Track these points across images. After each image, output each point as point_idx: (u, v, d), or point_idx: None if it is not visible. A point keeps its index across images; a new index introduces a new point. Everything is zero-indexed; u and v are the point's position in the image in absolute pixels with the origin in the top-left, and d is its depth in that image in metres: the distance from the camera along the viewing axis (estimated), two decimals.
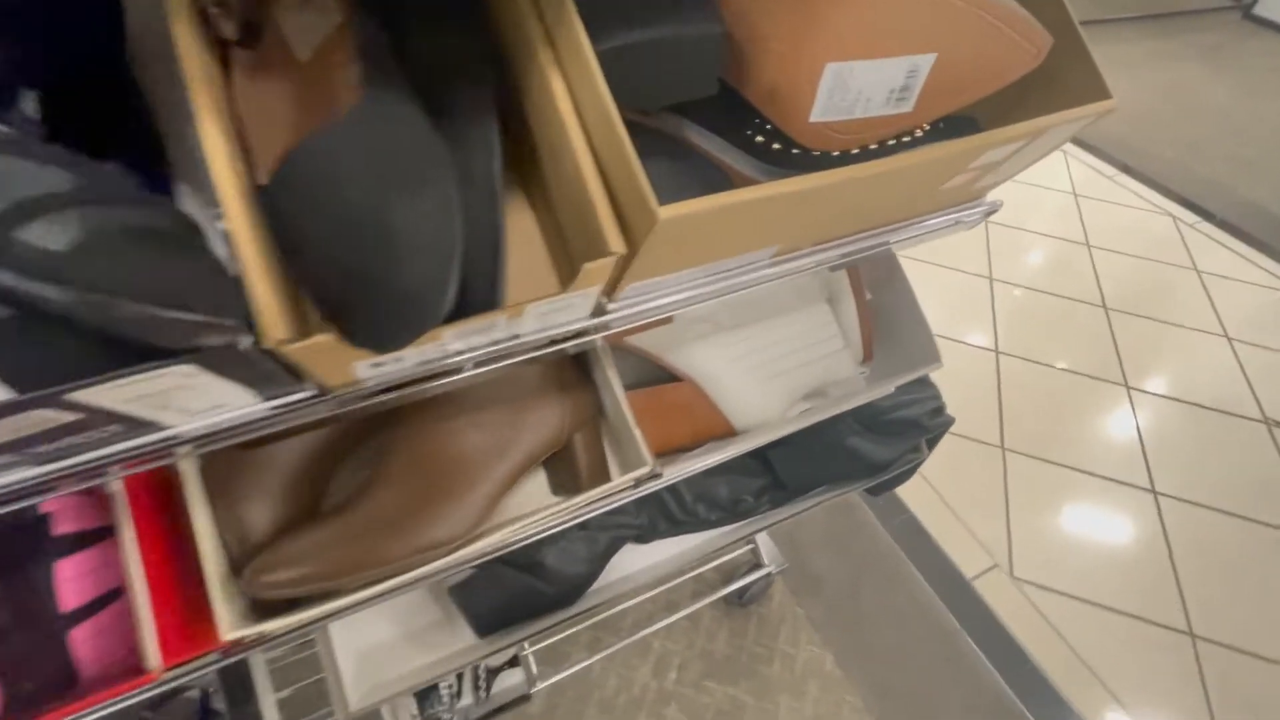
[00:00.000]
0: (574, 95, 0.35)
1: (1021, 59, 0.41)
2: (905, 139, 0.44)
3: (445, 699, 0.93)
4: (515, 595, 0.75)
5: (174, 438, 0.33)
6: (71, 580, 0.45)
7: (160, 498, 0.48)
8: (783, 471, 0.82)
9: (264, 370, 0.32)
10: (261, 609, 0.50)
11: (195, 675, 0.50)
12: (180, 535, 0.47)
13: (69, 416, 0.27)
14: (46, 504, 0.47)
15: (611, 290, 0.41)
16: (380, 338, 0.30)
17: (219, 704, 0.73)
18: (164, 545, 0.47)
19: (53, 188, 0.25)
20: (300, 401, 0.36)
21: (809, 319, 0.67)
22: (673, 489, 0.81)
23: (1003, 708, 1.19)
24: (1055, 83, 0.46)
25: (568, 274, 0.41)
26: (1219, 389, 1.75)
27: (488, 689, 1.00)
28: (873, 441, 0.84)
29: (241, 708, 0.73)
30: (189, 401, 0.31)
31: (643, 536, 0.82)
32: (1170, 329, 1.91)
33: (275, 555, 0.47)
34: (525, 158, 0.44)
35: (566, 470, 0.59)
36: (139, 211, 0.27)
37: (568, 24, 0.34)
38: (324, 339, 0.29)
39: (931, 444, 0.88)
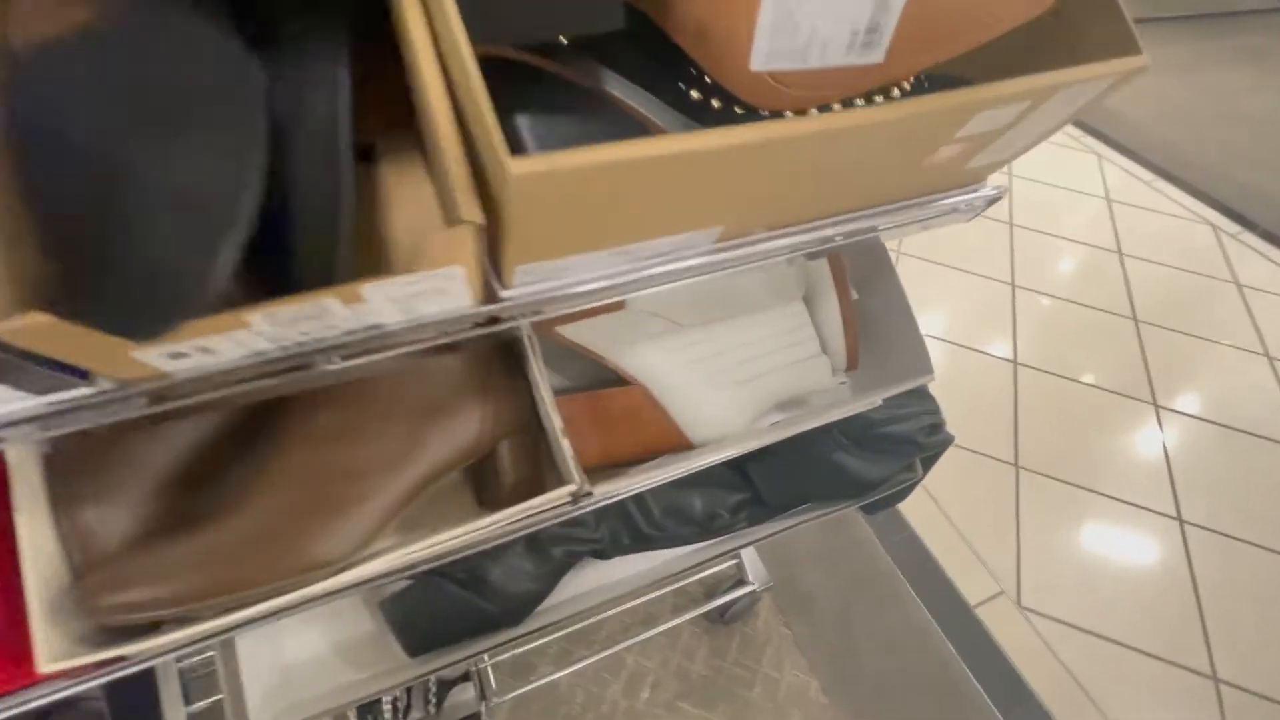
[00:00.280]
0: (431, 23, 0.27)
1: None
2: (879, 100, 0.36)
3: (388, 714, 0.86)
4: (454, 612, 0.68)
5: None
6: None
7: None
8: (763, 486, 0.74)
9: None
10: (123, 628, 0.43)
11: (66, 693, 0.44)
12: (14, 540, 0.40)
13: None
14: None
15: (500, 274, 0.33)
16: (119, 321, 0.22)
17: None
18: None
19: None
20: (84, 399, 0.28)
21: (782, 319, 0.59)
22: (639, 500, 0.73)
23: None
24: (1073, 36, 0.37)
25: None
26: (1256, 411, 1.63)
27: (438, 703, 0.93)
28: (861, 458, 0.76)
29: None
30: None
31: (603, 552, 0.75)
32: (1205, 345, 1.79)
33: (122, 571, 0.40)
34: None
35: (490, 483, 0.52)
36: None
37: None
38: (36, 320, 0.21)
39: (927, 464, 0.79)
